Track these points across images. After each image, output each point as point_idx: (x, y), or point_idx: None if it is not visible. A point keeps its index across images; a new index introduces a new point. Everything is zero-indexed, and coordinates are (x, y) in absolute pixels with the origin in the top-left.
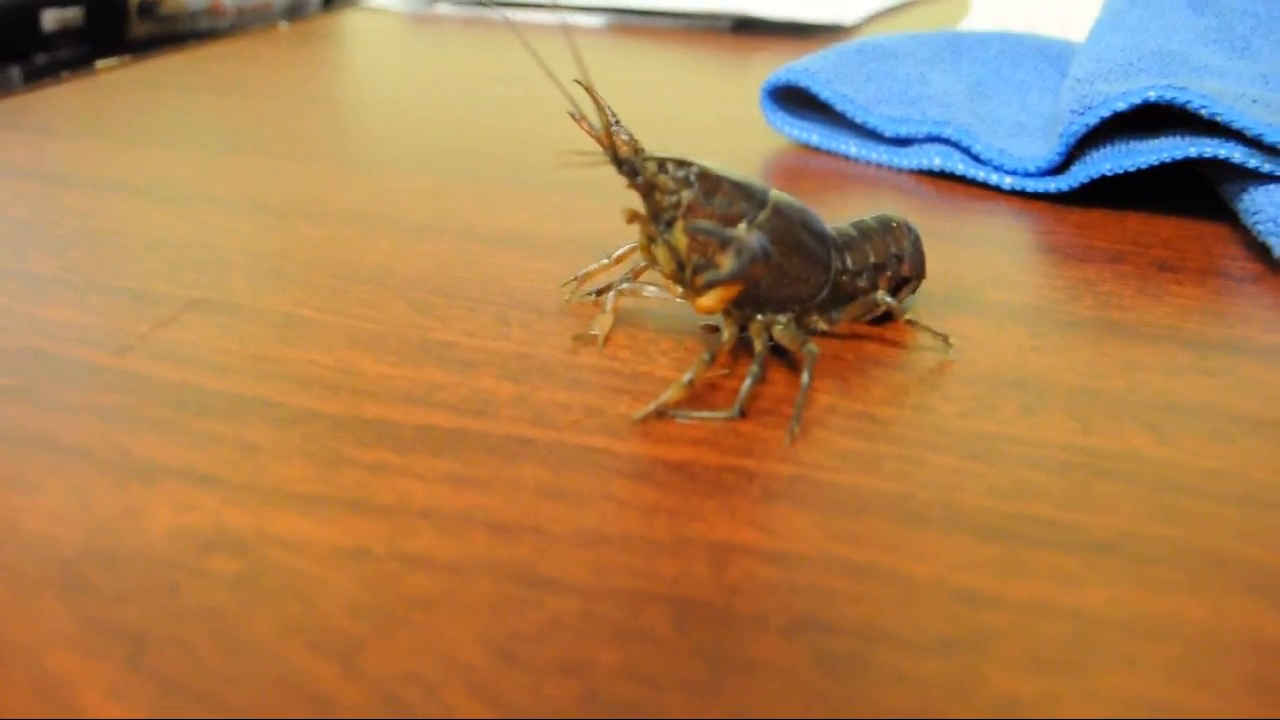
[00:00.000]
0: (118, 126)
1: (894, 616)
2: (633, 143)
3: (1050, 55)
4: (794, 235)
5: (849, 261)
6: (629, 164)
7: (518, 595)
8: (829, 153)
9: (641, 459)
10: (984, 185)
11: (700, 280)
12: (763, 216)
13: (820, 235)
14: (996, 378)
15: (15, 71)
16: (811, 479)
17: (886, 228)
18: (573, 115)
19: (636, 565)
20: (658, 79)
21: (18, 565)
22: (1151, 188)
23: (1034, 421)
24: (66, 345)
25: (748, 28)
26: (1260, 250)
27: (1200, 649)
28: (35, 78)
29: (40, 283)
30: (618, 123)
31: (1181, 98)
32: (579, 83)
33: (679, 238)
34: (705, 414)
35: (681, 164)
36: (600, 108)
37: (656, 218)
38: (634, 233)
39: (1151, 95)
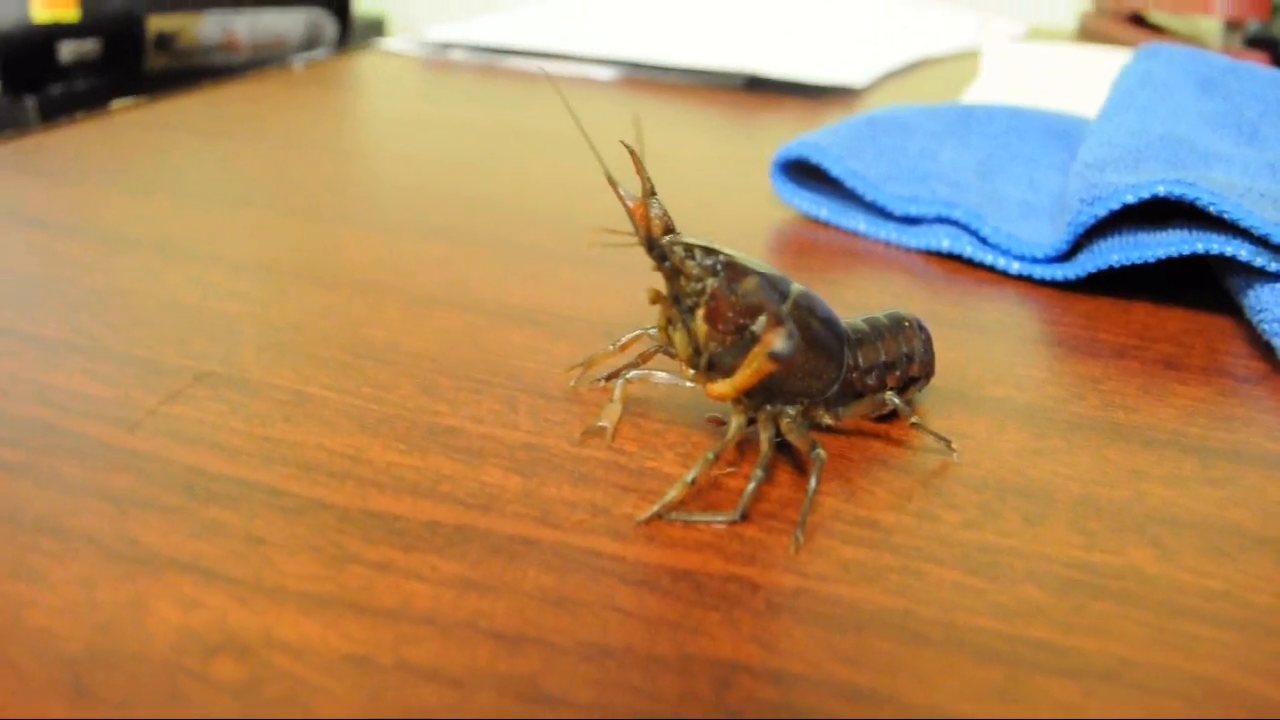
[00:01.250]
0: (131, 174)
1: None
2: (665, 219)
3: (1057, 130)
4: (812, 329)
5: (860, 359)
6: (659, 248)
7: (519, 712)
8: (838, 228)
9: (646, 565)
10: (991, 269)
11: (727, 362)
12: (784, 308)
13: (836, 331)
14: (1000, 484)
15: (31, 103)
16: (814, 591)
17: (899, 326)
18: (609, 180)
19: (639, 683)
20: (667, 138)
21: (22, 663)
22: (1159, 275)
23: (1037, 533)
24: (75, 419)
25: (759, 86)
26: (1265, 349)
27: None
28: (51, 109)
29: (50, 347)
30: (654, 194)
31: (1191, 194)
32: (625, 145)
33: (699, 324)
34: (708, 517)
35: (710, 252)
36: (642, 178)
37: (678, 302)
38: (641, 316)
39: (1161, 190)
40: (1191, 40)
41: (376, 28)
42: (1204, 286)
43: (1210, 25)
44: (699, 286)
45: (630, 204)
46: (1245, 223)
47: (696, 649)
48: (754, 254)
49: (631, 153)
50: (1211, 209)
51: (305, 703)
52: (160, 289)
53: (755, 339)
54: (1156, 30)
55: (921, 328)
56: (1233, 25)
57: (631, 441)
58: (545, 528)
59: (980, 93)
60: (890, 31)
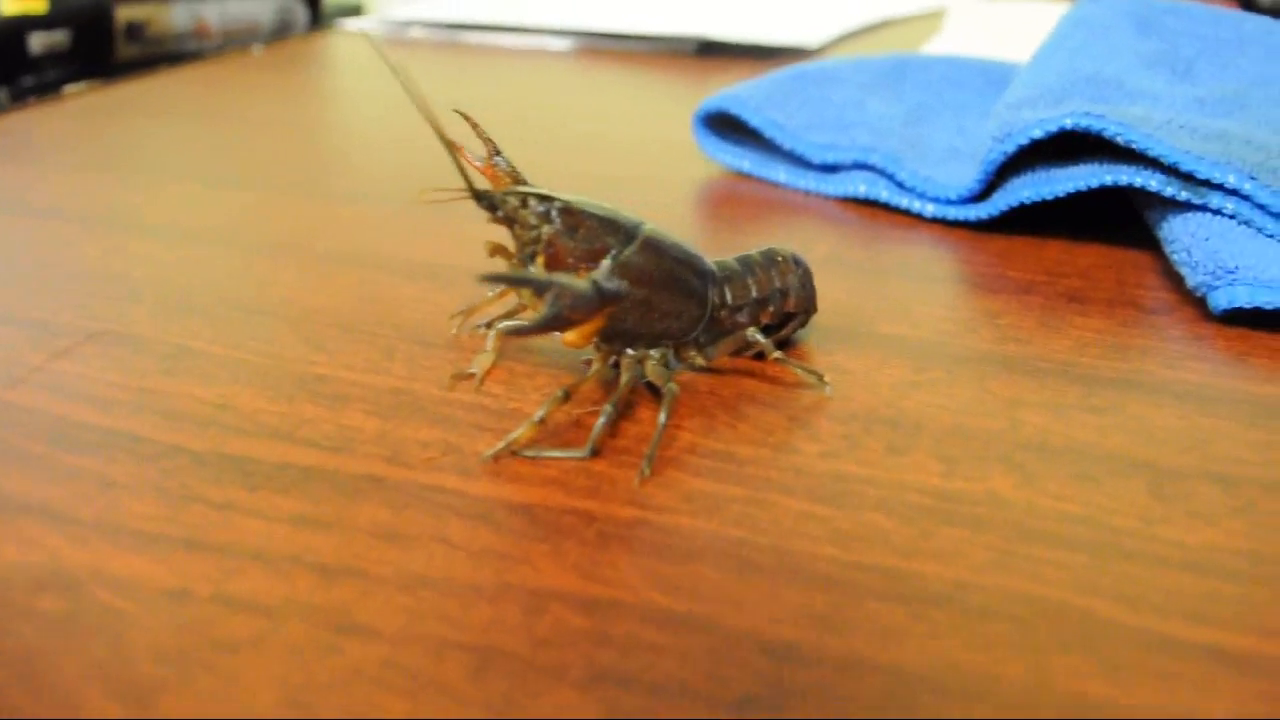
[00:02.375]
0: (71, 153)
1: (698, 671)
2: (512, 174)
3: (994, 78)
4: (666, 269)
5: (729, 296)
6: (488, 198)
7: (324, 641)
8: (761, 179)
9: (485, 499)
10: (908, 213)
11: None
12: (629, 251)
13: (698, 269)
14: (869, 415)
15: (1, 94)
16: (652, 522)
17: (771, 261)
18: (449, 144)
19: (451, 612)
20: (615, 102)
21: None
22: (1085, 214)
23: (897, 462)
24: None
25: (712, 51)
26: (1177, 280)
27: (1013, 711)
28: (22, 100)
29: None
30: (498, 154)
31: (1098, 125)
32: (459, 113)
33: (540, 270)
34: (557, 453)
35: (544, 199)
36: (482, 138)
37: (520, 250)
38: None
39: (1068, 123)
40: None
41: (351, 11)
42: (1128, 224)
43: None
44: (535, 234)
45: (478, 165)
46: (1154, 152)
47: (516, 579)
48: (679, 209)
49: (466, 117)
50: (1119, 139)
51: (117, 633)
52: (74, 258)
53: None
54: None
55: (798, 262)
56: None
57: (500, 384)
58: (394, 467)
59: (942, 48)
60: None
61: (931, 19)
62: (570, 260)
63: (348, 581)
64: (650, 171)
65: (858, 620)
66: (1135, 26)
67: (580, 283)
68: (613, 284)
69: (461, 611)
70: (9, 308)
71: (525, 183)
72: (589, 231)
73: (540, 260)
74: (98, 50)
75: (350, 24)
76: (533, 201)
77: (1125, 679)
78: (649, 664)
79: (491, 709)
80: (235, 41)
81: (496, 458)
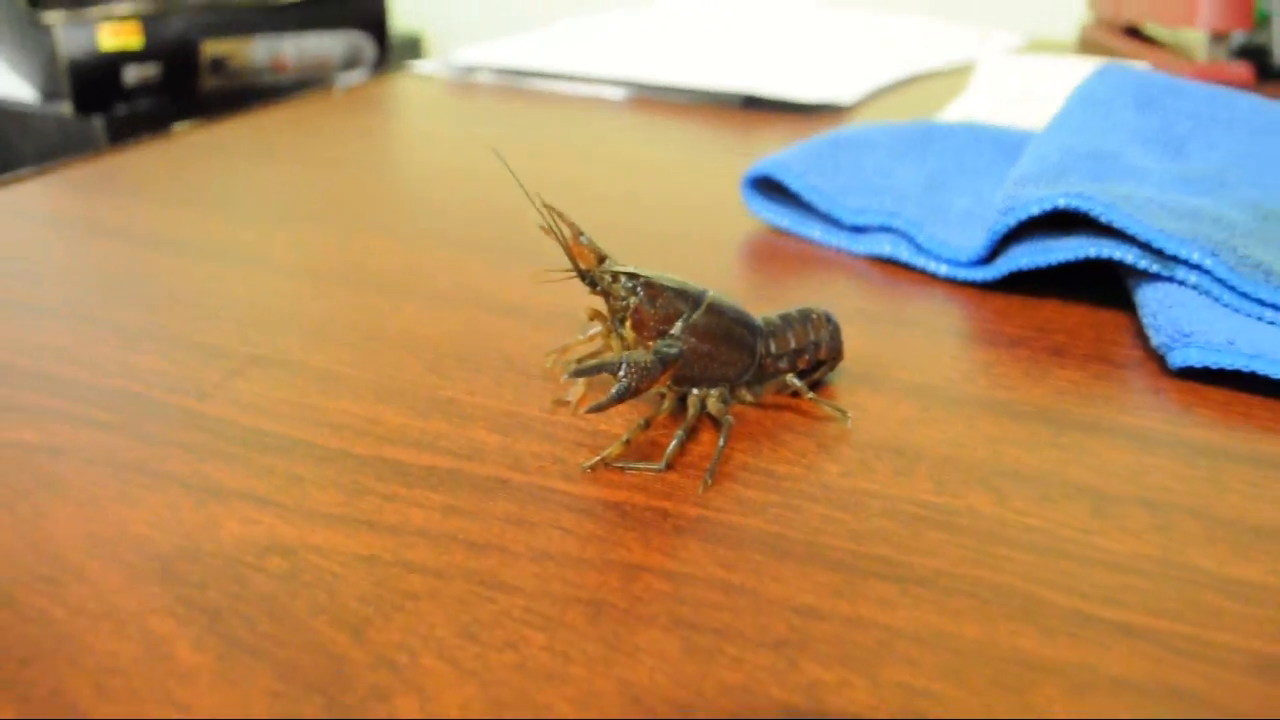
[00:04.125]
0: (190, 191)
1: (747, 622)
2: (594, 249)
3: (1008, 146)
4: (724, 328)
5: (773, 347)
6: (590, 277)
7: (481, 594)
8: (799, 236)
9: (586, 498)
10: (925, 272)
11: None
12: (697, 315)
13: (749, 326)
14: (880, 445)
15: (99, 122)
16: (712, 519)
17: (806, 318)
18: (544, 229)
19: (569, 577)
20: (665, 153)
21: (127, 558)
22: (1077, 275)
23: (900, 482)
24: (157, 390)
25: (757, 104)
26: (1146, 338)
27: (967, 657)
28: (116, 128)
29: (132, 334)
30: (583, 235)
31: (1085, 205)
32: (548, 206)
33: (628, 332)
34: (640, 465)
35: (631, 276)
36: (568, 225)
37: (613, 316)
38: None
39: (1061, 203)
40: (1179, 52)
41: (413, 45)
42: (1115, 287)
43: (1197, 37)
44: (625, 304)
45: (568, 244)
46: (1131, 230)
47: (615, 556)
48: (727, 263)
49: (553, 210)
50: (1102, 218)
51: (330, 585)
52: (220, 289)
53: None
54: (1150, 42)
55: (829, 319)
56: (1217, 37)
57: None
58: (515, 472)
59: (965, 106)
60: (886, 48)
61: (963, 72)
62: (651, 323)
63: (492, 554)
64: (699, 227)
65: (862, 592)
66: (1136, 103)
67: (645, 356)
68: (673, 349)
69: (577, 576)
70: (178, 332)
71: (607, 257)
72: (665, 301)
73: (628, 323)
74: (184, 82)
75: (422, 66)
76: (623, 278)
77: (1051, 640)
78: (712, 615)
79: (605, 643)
80: (309, 75)
81: (593, 468)
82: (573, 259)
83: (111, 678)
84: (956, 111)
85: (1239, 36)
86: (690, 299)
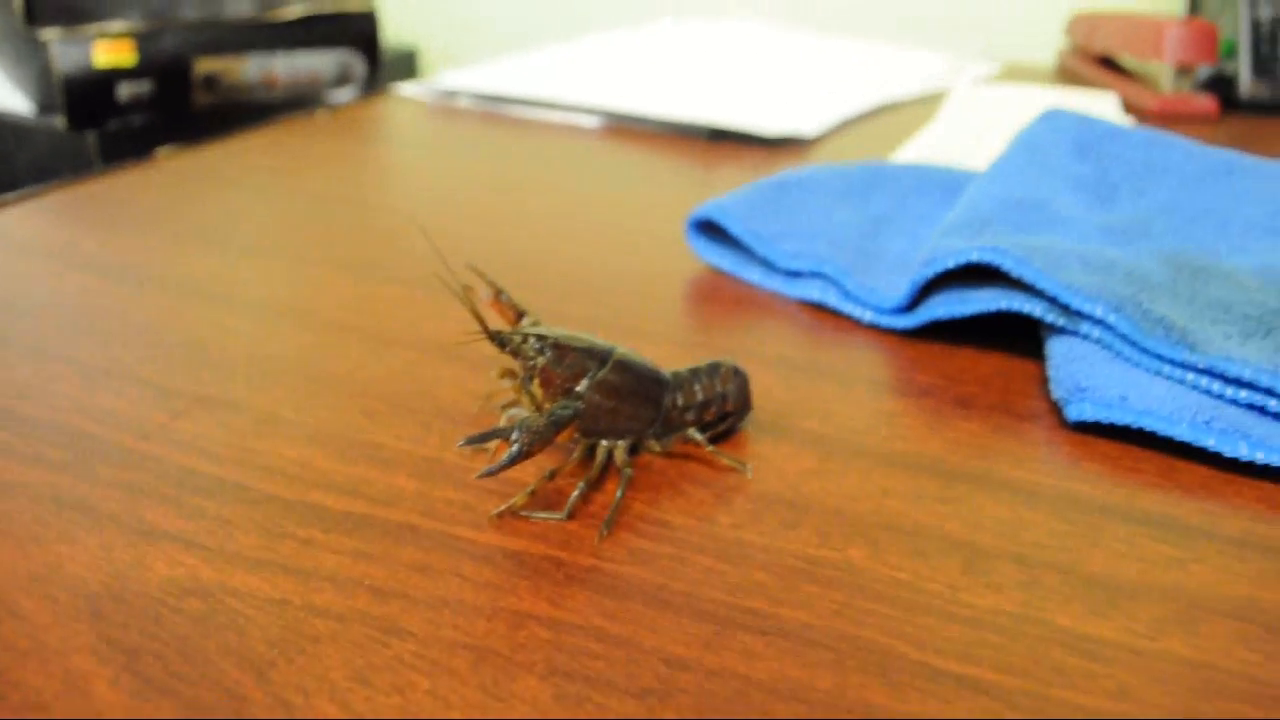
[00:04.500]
0: (166, 221)
1: (618, 671)
2: (514, 307)
3: (953, 187)
4: (629, 384)
5: (679, 400)
6: (498, 338)
7: (377, 639)
8: (738, 278)
9: (489, 546)
10: (849, 317)
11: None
12: (603, 373)
13: (656, 380)
14: (774, 497)
15: (91, 137)
16: (603, 569)
17: (715, 371)
18: (459, 296)
19: (460, 623)
20: (626, 186)
21: (59, 596)
22: (999, 325)
23: (786, 534)
24: (106, 428)
25: (722, 135)
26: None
27: (816, 707)
28: (108, 143)
29: (89, 372)
30: (502, 293)
31: (998, 260)
32: (473, 267)
33: (537, 389)
34: (543, 515)
35: (540, 338)
36: (489, 285)
37: (523, 374)
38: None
39: (974, 257)
40: (1149, 83)
41: (408, 60)
42: (1034, 335)
43: (1164, 69)
44: (533, 364)
45: (488, 300)
46: (1040, 285)
47: (505, 604)
48: (666, 298)
49: (476, 270)
50: (1013, 273)
51: (240, 627)
52: (178, 326)
53: (579, 397)
54: (1122, 72)
55: (737, 373)
56: (1183, 70)
57: None
58: (426, 519)
59: (928, 139)
60: (857, 77)
61: (934, 101)
62: (558, 381)
63: (393, 600)
64: (647, 264)
65: (729, 644)
66: (1075, 150)
67: (538, 420)
68: (567, 410)
69: (468, 623)
70: (133, 369)
71: (525, 314)
72: (573, 359)
73: (536, 381)
74: (177, 99)
75: (405, 89)
76: (531, 339)
77: (898, 693)
78: (586, 664)
79: (484, 689)
80: (299, 92)
81: (500, 516)
82: (481, 321)
83: (34, 712)
84: (920, 144)
85: (1206, 69)
86: (597, 356)
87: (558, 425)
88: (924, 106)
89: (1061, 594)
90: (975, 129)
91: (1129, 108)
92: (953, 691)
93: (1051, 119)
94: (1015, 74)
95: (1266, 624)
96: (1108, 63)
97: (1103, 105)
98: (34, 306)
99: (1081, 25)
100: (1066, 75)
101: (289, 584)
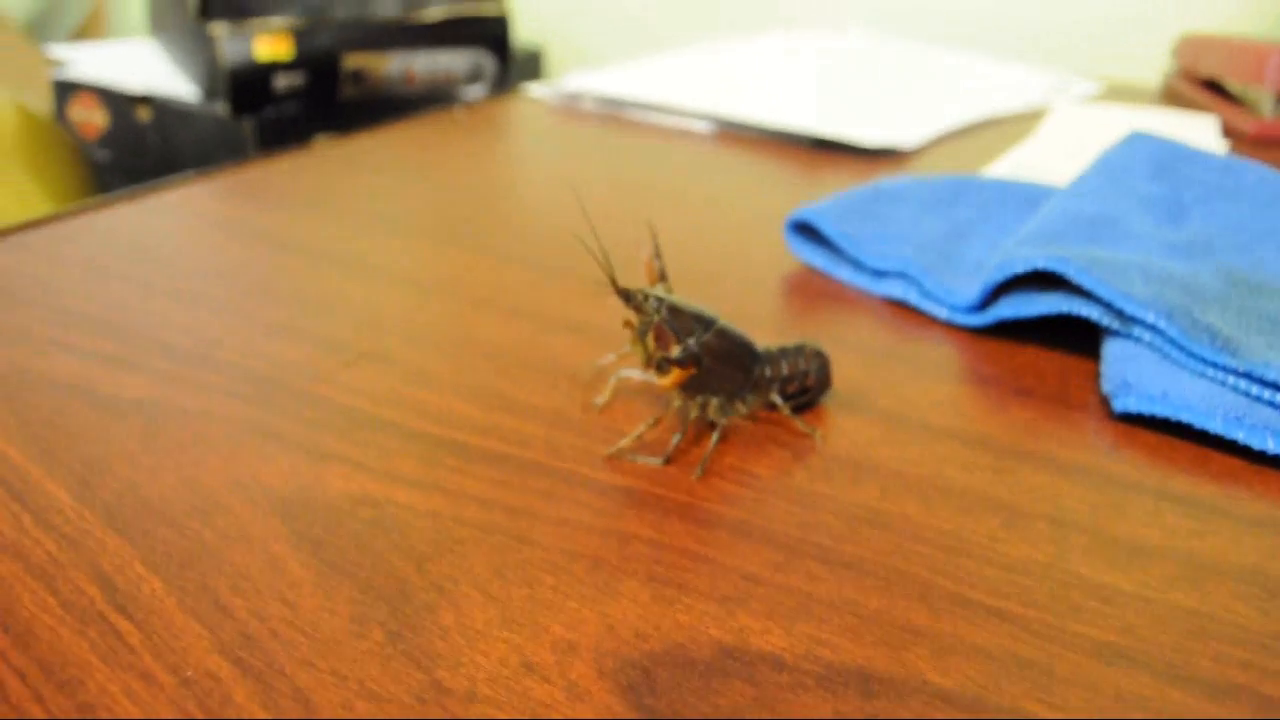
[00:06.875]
0: (323, 202)
1: (703, 581)
2: (659, 270)
3: (1034, 200)
4: (727, 349)
5: (768, 371)
6: (626, 293)
7: (511, 546)
8: (830, 276)
9: (602, 482)
10: (928, 315)
11: (659, 366)
12: (707, 335)
13: (749, 351)
14: (844, 459)
15: (249, 124)
16: (696, 505)
17: (800, 351)
18: (597, 260)
19: (579, 539)
20: (736, 185)
21: (257, 499)
22: (1065, 327)
23: (852, 489)
24: (287, 374)
25: (827, 145)
26: None
27: (865, 620)
28: (265, 129)
29: (271, 328)
30: (657, 257)
31: (1061, 267)
32: (649, 225)
33: (650, 343)
34: (646, 458)
35: (659, 299)
36: (653, 244)
37: (640, 327)
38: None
39: (1040, 264)
40: (1248, 107)
41: (534, 59)
42: (1095, 339)
43: (1264, 94)
44: (649, 320)
45: (645, 258)
46: (1098, 292)
47: (615, 526)
48: (765, 290)
49: (651, 232)
50: (1074, 280)
51: (403, 531)
52: (342, 292)
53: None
54: (1226, 96)
55: (820, 353)
56: None
57: (618, 411)
58: (553, 458)
59: (1020, 155)
60: (958, 92)
61: (1030, 119)
62: (668, 337)
63: (524, 518)
64: (749, 260)
65: (796, 568)
66: (1152, 171)
67: (691, 347)
68: (697, 351)
69: (585, 539)
70: (306, 327)
71: (666, 278)
72: (684, 321)
73: (650, 334)
74: (326, 90)
75: (534, 90)
76: (651, 299)
77: (934, 615)
78: (678, 575)
79: (596, 587)
80: (436, 88)
81: (610, 458)
82: (613, 279)
83: (243, 580)
84: (1012, 160)
85: None
86: (704, 322)
87: (681, 364)
88: (1023, 123)
89: (1087, 550)
90: (1069, 147)
91: (1227, 131)
92: (983, 618)
93: (1134, 141)
94: (1119, 93)
95: (1267, 587)
96: (1213, 86)
97: (1201, 127)
98: (219, 271)
99: (1189, 47)
100: (1171, 97)
101: (441, 500)
